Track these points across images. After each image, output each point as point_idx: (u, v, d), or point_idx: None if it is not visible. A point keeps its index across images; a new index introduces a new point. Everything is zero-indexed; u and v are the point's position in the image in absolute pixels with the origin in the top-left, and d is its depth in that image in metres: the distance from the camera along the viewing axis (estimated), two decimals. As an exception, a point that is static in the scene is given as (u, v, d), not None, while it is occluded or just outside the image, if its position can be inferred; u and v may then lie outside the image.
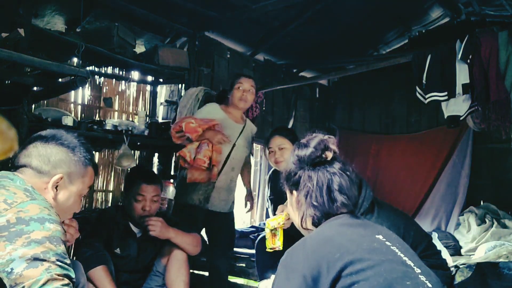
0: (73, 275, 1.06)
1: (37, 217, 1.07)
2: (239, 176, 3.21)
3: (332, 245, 1.07)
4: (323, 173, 1.25)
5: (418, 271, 1.07)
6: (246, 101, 2.94)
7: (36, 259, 1.01)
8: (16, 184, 1.17)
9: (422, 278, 1.05)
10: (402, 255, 1.09)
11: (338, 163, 1.28)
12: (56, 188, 1.27)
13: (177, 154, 2.86)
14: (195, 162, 2.72)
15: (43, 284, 0.98)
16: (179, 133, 2.77)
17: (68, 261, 1.08)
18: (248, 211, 3.27)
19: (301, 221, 1.28)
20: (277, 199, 2.85)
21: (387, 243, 1.11)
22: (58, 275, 1.02)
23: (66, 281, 1.03)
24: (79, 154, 1.32)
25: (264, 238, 3.10)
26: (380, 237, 1.13)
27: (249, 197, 3.23)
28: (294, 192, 1.32)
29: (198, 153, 2.74)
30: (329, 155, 1.27)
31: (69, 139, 1.33)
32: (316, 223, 1.24)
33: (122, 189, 2.52)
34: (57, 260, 1.04)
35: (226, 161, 2.91)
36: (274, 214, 3.04)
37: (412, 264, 1.08)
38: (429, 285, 1.05)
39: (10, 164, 1.44)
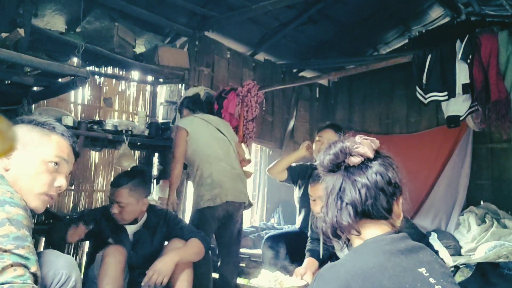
0: (31, 265, 1.02)
1: None
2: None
3: (371, 283, 0.95)
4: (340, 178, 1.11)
5: None
6: None
7: None
8: None
9: None
10: None
11: (369, 167, 1.11)
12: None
13: None
14: None
15: None
16: None
17: (28, 247, 1.04)
18: None
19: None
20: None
21: (431, 280, 0.98)
22: (12, 264, 0.98)
23: (20, 271, 0.99)
24: (41, 126, 1.32)
25: (272, 236, 3.12)
26: (423, 271, 1.00)
27: None
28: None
29: None
30: (354, 160, 1.12)
31: (41, 119, 1.33)
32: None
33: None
34: (16, 247, 1.00)
35: None
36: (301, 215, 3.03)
37: None
38: None
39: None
